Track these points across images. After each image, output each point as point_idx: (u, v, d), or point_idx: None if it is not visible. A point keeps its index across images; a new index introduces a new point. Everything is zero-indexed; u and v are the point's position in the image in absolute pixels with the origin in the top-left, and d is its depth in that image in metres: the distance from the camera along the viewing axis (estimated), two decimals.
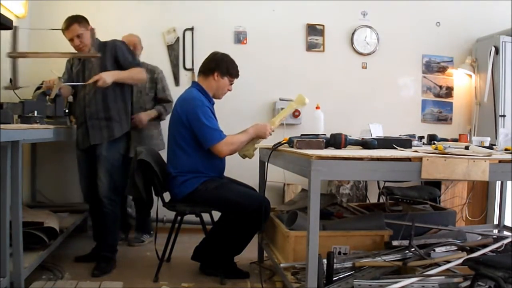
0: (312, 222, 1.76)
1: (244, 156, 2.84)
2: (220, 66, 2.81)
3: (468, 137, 3.07)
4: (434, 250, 2.41)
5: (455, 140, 3.00)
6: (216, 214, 2.86)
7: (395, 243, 2.50)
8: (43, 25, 3.80)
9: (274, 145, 2.33)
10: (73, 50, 2.83)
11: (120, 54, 2.88)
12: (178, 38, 4.07)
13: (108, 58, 2.85)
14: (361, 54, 4.30)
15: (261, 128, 2.77)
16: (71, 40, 2.80)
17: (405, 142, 2.26)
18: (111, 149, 2.87)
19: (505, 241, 2.63)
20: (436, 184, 3.85)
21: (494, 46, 4.08)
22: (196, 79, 4.10)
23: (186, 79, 4.09)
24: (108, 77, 2.73)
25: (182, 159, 2.73)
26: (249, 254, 2.97)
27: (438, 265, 2.24)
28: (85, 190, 3.03)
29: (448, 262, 2.25)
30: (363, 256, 2.35)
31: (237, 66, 2.89)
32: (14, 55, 2.27)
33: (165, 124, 3.28)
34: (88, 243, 3.23)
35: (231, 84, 2.90)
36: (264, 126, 2.78)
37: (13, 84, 2.30)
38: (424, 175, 1.78)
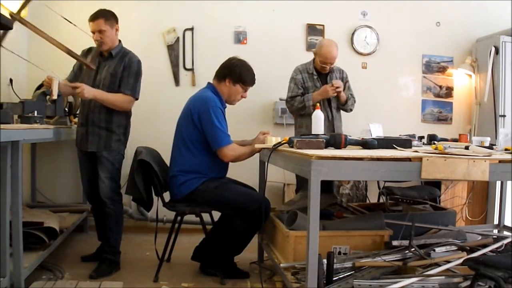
0: (312, 222, 1.76)
1: None
2: (233, 73, 2.80)
3: (468, 137, 3.07)
4: (434, 250, 2.41)
5: (455, 140, 3.01)
6: (216, 214, 2.87)
7: (395, 243, 2.50)
8: (43, 25, 3.81)
9: (274, 145, 2.33)
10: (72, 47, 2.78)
11: (126, 71, 2.82)
12: (178, 38, 4.07)
13: (120, 69, 2.82)
14: (361, 54, 4.30)
15: (260, 137, 2.84)
16: (93, 32, 2.81)
17: (405, 142, 2.26)
18: (112, 152, 2.84)
19: (505, 241, 2.63)
20: (436, 184, 3.85)
21: (494, 46, 4.08)
22: (195, 80, 4.14)
23: (186, 79, 4.09)
24: (89, 92, 2.67)
25: (187, 158, 2.74)
26: (249, 254, 2.97)
27: (438, 265, 2.24)
28: (87, 190, 3.01)
29: (448, 262, 2.25)
30: (363, 256, 2.35)
31: (253, 74, 2.85)
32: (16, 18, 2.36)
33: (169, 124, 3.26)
34: (88, 243, 3.23)
35: (245, 91, 2.88)
36: (259, 138, 2.84)
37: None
38: (424, 175, 1.78)
